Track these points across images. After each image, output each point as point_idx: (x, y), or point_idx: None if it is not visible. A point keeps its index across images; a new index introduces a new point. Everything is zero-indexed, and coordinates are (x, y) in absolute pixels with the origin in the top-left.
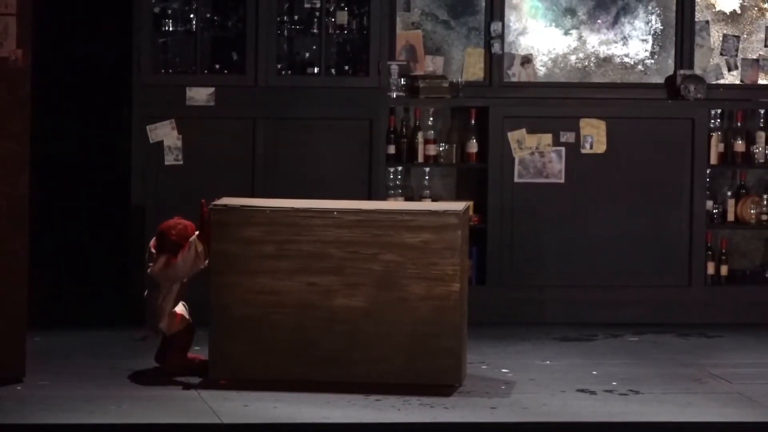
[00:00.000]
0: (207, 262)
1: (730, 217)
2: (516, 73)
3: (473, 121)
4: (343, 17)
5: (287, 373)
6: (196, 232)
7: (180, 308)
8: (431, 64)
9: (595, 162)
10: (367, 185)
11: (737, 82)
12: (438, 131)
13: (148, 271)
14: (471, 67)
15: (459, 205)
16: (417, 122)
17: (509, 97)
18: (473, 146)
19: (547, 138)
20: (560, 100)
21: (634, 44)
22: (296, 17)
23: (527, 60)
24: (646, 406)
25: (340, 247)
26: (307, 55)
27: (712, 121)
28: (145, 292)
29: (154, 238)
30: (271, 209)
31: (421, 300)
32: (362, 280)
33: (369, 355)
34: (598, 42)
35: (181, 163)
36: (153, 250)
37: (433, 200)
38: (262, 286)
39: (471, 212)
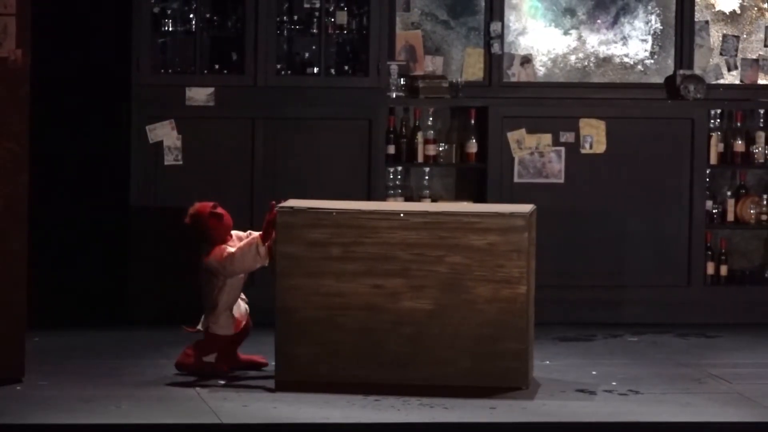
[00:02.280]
0: (267, 262)
1: (730, 217)
2: (515, 73)
3: (473, 121)
4: (342, 17)
5: (352, 375)
6: (258, 233)
7: (240, 312)
8: (431, 64)
9: (595, 162)
10: (366, 185)
11: (737, 82)
12: (437, 131)
13: (204, 260)
14: (470, 67)
15: (526, 207)
16: (416, 122)
17: (509, 97)
18: (473, 146)
19: (547, 138)
20: (560, 100)
21: (633, 44)
22: (296, 17)
23: (527, 60)
24: (646, 406)
25: (406, 249)
26: (307, 55)
27: (712, 121)
28: (201, 282)
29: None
30: (338, 211)
31: (487, 302)
32: (428, 283)
33: (434, 357)
34: (597, 42)
35: (181, 163)
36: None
37: (432, 200)
38: (328, 288)
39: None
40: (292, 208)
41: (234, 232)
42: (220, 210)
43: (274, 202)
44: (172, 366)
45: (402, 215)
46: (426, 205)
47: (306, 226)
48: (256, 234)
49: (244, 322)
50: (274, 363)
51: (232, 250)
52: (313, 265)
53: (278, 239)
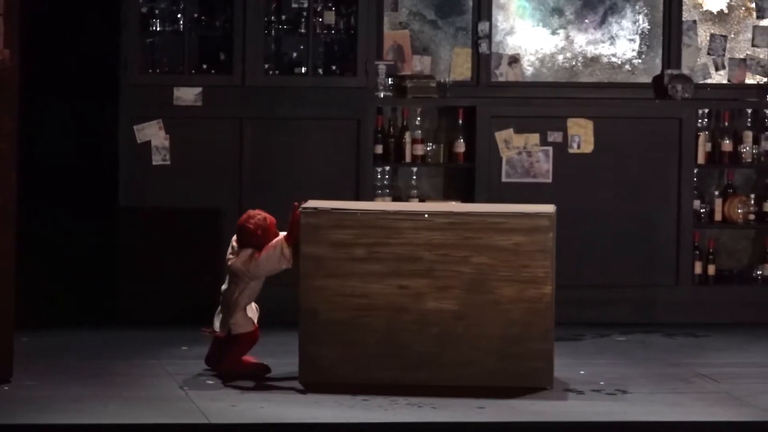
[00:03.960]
0: (291, 263)
1: (718, 216)
2: (503, 73)
3: (461, 121)
4: (330, 17)
5: (377, 376)
6: (283, 233)
7: (252, 311)
8: (419, 64)
9: (583, 162)
10: (354, 185)
11: (724, 81)
12: (425, 131)
13: (229, 264)
14: (458, 66)
15: (549, 207)
16: (404, 122)
17: (496, 97)
18: (461, 146)
19: (535, 138)
20: (547, 100)
21: (621, 44)
22: (284, 17)
23: (514, 60)
24: (634, 405)
25: (430, 249)
26: (295, 55)
27: (700, 120)
28: (223, 287)
29: (234, 235)
30: (362, 212)
31: (512, 302)
32: (453, 283)
33: (460, 358)
34: (585, 42)
35: (169, 163)
36: (235, 245)
37: (420, 200)
38: (352, 289)
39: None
40: (315, 208)
41: None
42: (267, 223)
43: (297, 203)
44: (161, 366)
45: (427, 216)
46: (451, 206)
47: (330, 227)
48: (280, 236)
49: (255, 320)
50: (297, 364)
51: (257, 253)
52: (338, 266)
53: (302, 240)
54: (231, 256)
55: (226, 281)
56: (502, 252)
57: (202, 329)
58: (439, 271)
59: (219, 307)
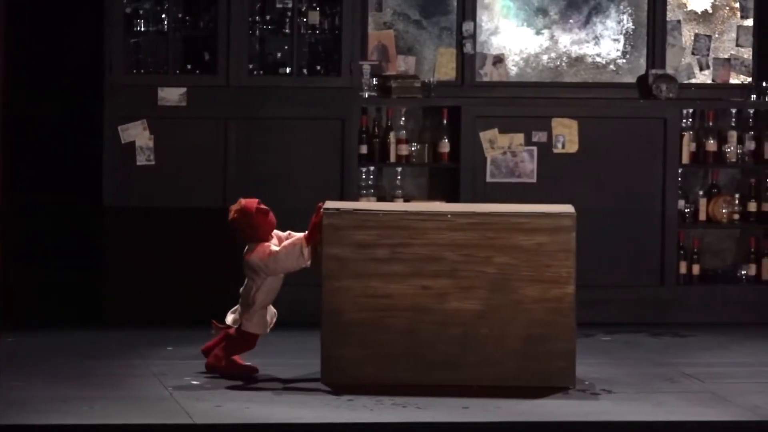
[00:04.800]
0: (309, 263)
1: (702, 216)
2: (488, 73)
3: (445, 121)
4: (314, 17)
5: (399, 377)
6: (303, 233)
7: (270, 314)
8: (403, 64)
9: (567, 161)
10: (339, 185)
11: (709, 81)
12: (410, 131)
13: (246, 258)
14: (443, 66)
15: (569, 207)
16: (389, 122)
17: (481, 97)
18: (445, 146)
19: (519, 138)
20: (532, 100)
21: (605, 44)
22: (268, 17)
23: (499, 60)
24: (619, 405)
25: (453, 250)
26: (279, 55)
27: (684, 120)
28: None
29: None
30: (384, 212)
31: (535, 302)
32: (476, 283)
33: (483, 358)
34: (569, 41)
35: (153, 163)
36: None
37: (405, 200)
38: (375, 289)
39: None
40: (338, 209)
41: (274, 232)
42: (265, 206)
43: (320, 204)
44: (146, 366)
45: (449, 216)
46: (473, 206)
47: (352, 228)
48: (300, 235)
49: (271, 326)
50: (320, 365)
51: (275, 248)
52: (360, 267)
53: (324, 241)
54: (247, 252)
55: (247, 276)
56: (525, 252)
57: (212, 322)
58: (461, 272)
59: (237, 305)
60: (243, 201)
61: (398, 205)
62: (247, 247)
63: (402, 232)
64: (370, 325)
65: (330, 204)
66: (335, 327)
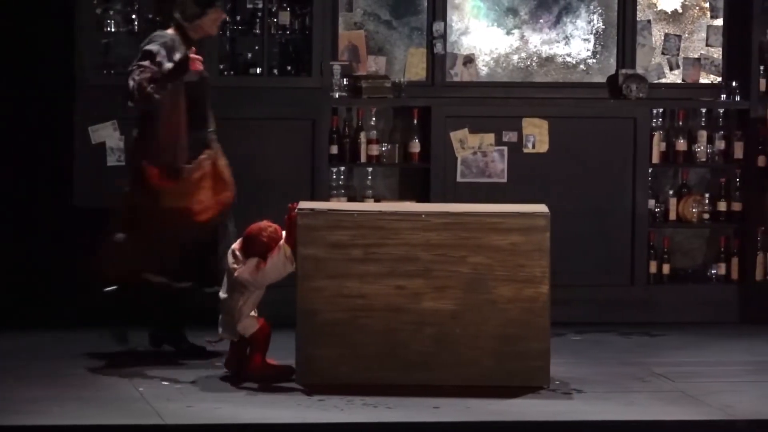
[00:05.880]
0: (294, 266)
1: (672, 215)
2: (458, 73)
3: (416, 121)
4: (285, 18)
5: (375, 377)
6: (284, 233)
7: (254, 312)
8: (374, 64)
9: (538, 161)
10: (310, 185)
11: (679, 81)
12: (381, 131)
13: (236, 274)
14: (413, 67)
15: (543, 207)
16: (359, 122)
17: (451, 97)
18: (416, 146)
19: (490, 137)
20: (502, 100)
21: (576, 44)
22: (238, 18)
23: (469, 60)
24: (590, 405)
25: (428, 250)
26: (250, 55)
27: (654, 120)
28: (221, 295)
29: (239, 241)
30: (359, 213)
31: (509, 302)
32: (450, 283)
33: (458, 358)
34: (540, 41)
35: (124, 164)
36: (238, 253)
37: (375, 200)
38: (350, 290)
39: None
40: (312, 210)
41: None
42: (278, 234)
43: (292, 205)
44: (117, 367)
45: (424, 216)
46: (448, 206)
47: (327, 228)
48: (281, 240)
49: None
50: (295, 365)
51: (262, 261)
52: (335, 267)
53: (299, 241)
54: (235, 266)
55: (225, 289)
56: (499, 252)
57: (206, 340)
58: (436, 272)
59: (221, 316)
60: (278, 229)
61: (373, 206)
62: (231, 260)
63: (377, 233)
64: (345, 325)
65: (304, 204)
66: (310, 327)
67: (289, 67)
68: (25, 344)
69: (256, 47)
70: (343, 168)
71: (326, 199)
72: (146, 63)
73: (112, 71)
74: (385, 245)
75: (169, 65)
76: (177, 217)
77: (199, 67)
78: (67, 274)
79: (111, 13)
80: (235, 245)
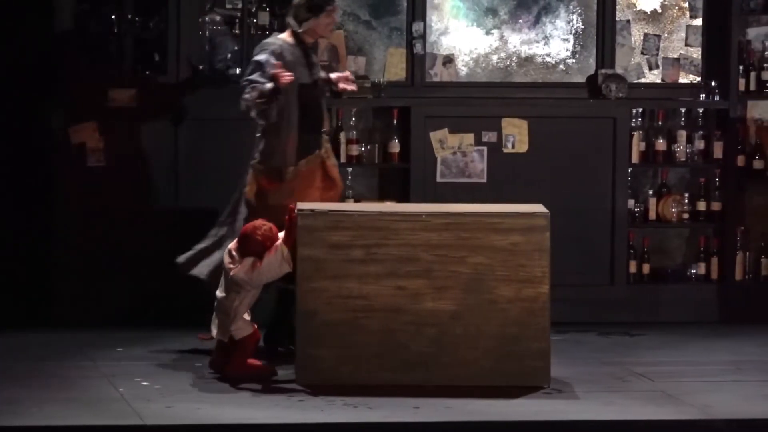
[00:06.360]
0: (291, 266)
1: (652, 215)
2: (438, 73)
3: (395, 121)
4: (264, 18)
5: (375, 377)
6: (281, 234)
7: (247, 313)
8: (353, 65)
9: (517, 161)
10: None
11: (658, 81)
12: (360, 131)
13: (231, 274)
14: (393, 67)
15: (542, 207)
16: (339, 122)
17: (431, 97)
18: (395, 146)
19: (469, 138)
20: (482, 100)
21: (555, 44)
22: (218, 18)
23: (449, 60)
24: (569, 404)
25: (428, 250)
26: (229, 55)
27: (634, 120)
28: (218, 294)
29: (234, 241)
30: (359, 213)
31: (509, 302)
32: (451, 283)
33: (458, 358)
34: (519, 42)
35: (104, 164)
36: (234, 253)
37: (355, 201)
38: (350, 290)
39: None
40: (313, 210)
41: None
42: (273, 233)
43: (292, 206)
44: (96, 368)
45: (424, 217)
46: (447, 206)
47: (327, 229)
48: (278, 240)
49: None
50: (294, 366)
51: (258, 261)
52: (335, 268)
53: (299, 242)
54: (231, 265)
55: (222, 288)
56: (500, 252)
57: (198, 336)
58: (436, 272)
59: (214, 314)
60: (273, 228)
61: (373, 206)
62: (228, 259)
63: (377, 233)
64: (345, 325)
65: (303, 205)
66: (310, 328)
67: None
68: (3, 345)
69: (236, 47)
70: None
71: None
72: (255, 76)
73: (92, 72)
74: (385, 246)
75: (268, 85)
76: (283, 216)
77: (287, 79)
78: (46, 275)
79: (91, 13)
80: (232, 245)
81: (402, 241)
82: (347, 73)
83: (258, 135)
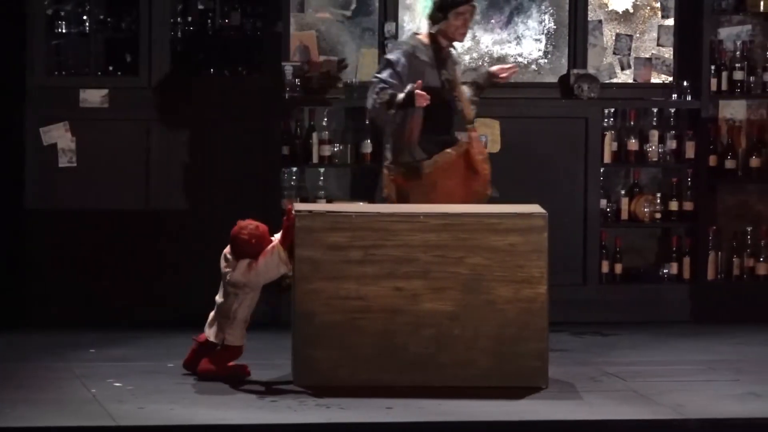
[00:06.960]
0: (289, 267)
1: (624, 215)
2: None
3: (368, 122)
4: (236, 18)
5: (373, 378)
6: (276, 235)
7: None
8: (325, 65)
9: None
10: (262, 186)
11: (630, 81)
12: (333, 132)
13: (228, 277)
14: (365, 67)
15: (540, 208)
16: (311, 123)
17: None
18: (368, 146)
19: None
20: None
21: (527, 44)
22: (190, 18)
23: None
24: (543, 404)
25: (426, 251)
26: (201, 56)
27: (606, 119)
28: (217, 299)
29: (228, 246)
30: (357, 214)
31: (507, 303)
32: (449, 284)
33: (456, 358)
34: (491, 41)
35: (75, 165)
36: (229, 257)
37: (327, 201)
38: (348, 291)
39: None
40: (310, 211)
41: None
42: (260, 231)
43: (290, 206)
44: (69, 369)
45: (422, 217)
46: (446, 207)
47: (325, 230)
48: (275, 241)
49: None
50: (291, 367)
51: (254, 262)
52: (333, 269)
53: (297, 243)
54: (227, 269)
55: (221, 293)
56: (498, 252)
57: (193, 338)
58: (434, 273)
59: (212, 316)
60: (260, 226)
61: (371, 207)
62: (224, 263)
63: (375, 234)
64: (343, 326)
65: (301, 206)
66: (308, 329)
67: (240, 68)
68: None
69: (208, 47)
70: (295, 169)
71: (278, 200)
72: (386, 75)
73: (63, 72)
74: (384, 246)
75: (401, 96)
76: None
77: (423, 103)
78: (17, 276)
79: (62, 14)
80: (226, 249)
81: (400, 241)
82: (508, 65)
83: (386, 136)
